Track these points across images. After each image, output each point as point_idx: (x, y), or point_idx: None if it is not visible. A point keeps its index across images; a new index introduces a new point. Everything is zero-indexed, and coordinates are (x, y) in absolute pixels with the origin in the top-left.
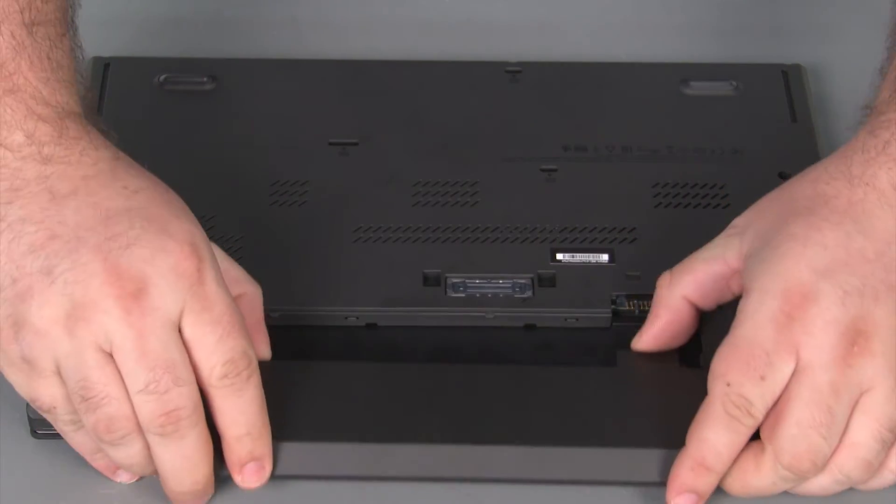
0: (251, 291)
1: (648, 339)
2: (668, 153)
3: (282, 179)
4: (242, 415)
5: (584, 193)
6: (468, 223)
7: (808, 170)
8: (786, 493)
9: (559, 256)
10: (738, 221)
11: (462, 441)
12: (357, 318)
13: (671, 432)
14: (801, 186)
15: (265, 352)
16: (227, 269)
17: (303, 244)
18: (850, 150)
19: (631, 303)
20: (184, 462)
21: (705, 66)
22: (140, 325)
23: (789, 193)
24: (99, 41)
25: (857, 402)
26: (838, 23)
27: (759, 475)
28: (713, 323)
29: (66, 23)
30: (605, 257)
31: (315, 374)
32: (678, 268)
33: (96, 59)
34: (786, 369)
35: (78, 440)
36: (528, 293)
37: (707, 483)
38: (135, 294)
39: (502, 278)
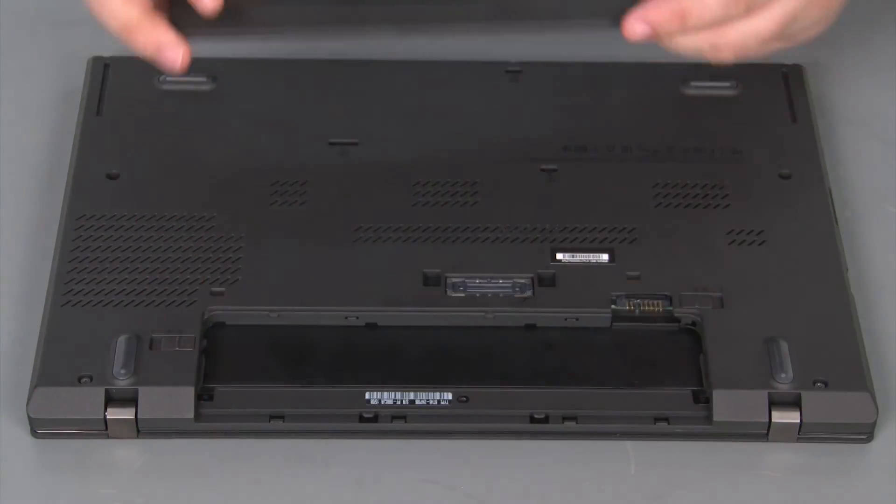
0: None
1: None
2: (668, 153)
3: (282, 179)
4: None
5: (584, 193)
6: (468, 223)
7: None
8: None
9: (559, 256)
10: None
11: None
12: (357, 318)
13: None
14: None
15: None
16: None
17: (303, 244)
18: None
19: (631, 303)
20: None
21: (705, 67)
22: None
23: None
24: (99, 41)
25: None
26: (838, 23)
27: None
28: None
29: None
30: (605, 257)
31: None
32: None
33: (96, 59)
34: None
35: None
36: (528, 293)
37: (669, 32)
38: None
39: (502, 278)
